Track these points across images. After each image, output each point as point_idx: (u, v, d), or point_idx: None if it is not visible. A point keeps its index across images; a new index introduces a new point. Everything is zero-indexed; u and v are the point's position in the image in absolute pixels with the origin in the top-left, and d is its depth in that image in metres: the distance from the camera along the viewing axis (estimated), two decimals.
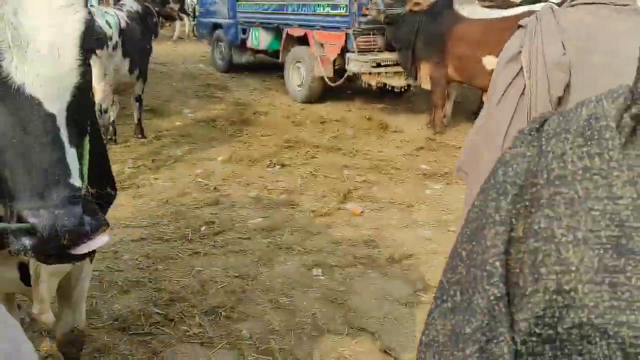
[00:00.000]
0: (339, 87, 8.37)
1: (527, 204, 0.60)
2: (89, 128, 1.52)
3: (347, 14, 7.86)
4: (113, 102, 6.20)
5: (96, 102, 5.07)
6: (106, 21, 5.11)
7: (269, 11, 9.96)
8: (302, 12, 8.95)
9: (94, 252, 2.04)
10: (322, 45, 8.44)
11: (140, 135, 6.51)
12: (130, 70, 5.57)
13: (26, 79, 1.04)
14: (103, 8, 5.41)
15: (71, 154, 1.07)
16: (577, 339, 0.53)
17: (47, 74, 1.06)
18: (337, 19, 8.11)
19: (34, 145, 1.03)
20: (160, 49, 14.80)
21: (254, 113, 8.04)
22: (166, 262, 3.74)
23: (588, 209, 0.54)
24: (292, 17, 9.25)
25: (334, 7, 8.12)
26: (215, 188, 5.17)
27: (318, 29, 8.49)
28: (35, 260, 1.74)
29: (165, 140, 6.60)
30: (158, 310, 3.18)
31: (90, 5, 6.73)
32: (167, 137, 6.73)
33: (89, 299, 3.24)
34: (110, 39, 5.05)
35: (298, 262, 3.84)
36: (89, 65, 1.21)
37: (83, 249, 1.09)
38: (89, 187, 1.14)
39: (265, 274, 3.66)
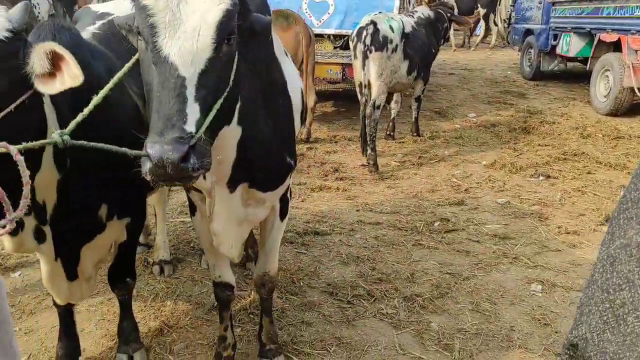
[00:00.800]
0: None
1: None
2: (260, 104, 1.89)
3: None
4: (395, 100, 6.74)
5: (371, 98, 5.64)
6: (390, 26, 5.61)
7: (582, 15, 9.20)
8: (618, 16, 8.00)
9: (285, 210, 2.43)
10: (636, 52, 7.41)
11: (415, 134, 6.89)
12: (409, 72, 5.97)
13: (171, 50, 1.44)
14: (391, 15, 5.92)
15: (193, 107, 1.42)
16: None
17: (186, 48, 1.44)
18: None
19: (165, 98, 1.42)
20: (474, 56, 15.04)
21: (541, 122, 7.59)
22: (390, 246, 4.01)
23: None
24: (606, 20, 8.36)
25: None
26: (466, 190, 5.18)
27: (634, 34, 7.48)
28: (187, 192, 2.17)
29: (437, 141, 6.83)
30: (364, 285, 3.48)
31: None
32: (440, 137, 6.96)
33: (314, 263, 3.75)
34: (391, 42, 5.53)
35: (519, 274, 3.63)
36: (230, 45, 1.55)
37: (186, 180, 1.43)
38: (207, 137, 1.47)
39: (479, 278, 3.59)
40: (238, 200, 2.14)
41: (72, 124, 1.44)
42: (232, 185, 2.03)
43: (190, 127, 1.40)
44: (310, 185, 5.16)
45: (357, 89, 5.92)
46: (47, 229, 1.96)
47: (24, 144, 1.31)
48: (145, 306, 3.24)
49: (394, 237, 4.16)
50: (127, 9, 2.25)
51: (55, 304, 2.54)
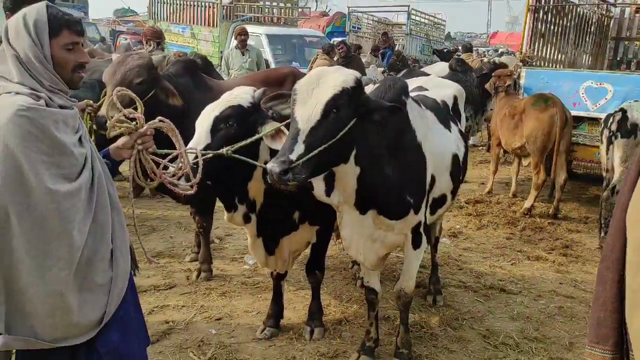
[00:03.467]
0: None
1: None
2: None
3: None
4: None
5: (611, 182, 5.62)
6: None
7: None
8: None
9: (418, 242, 3.24)
10: None
11: None
12: None
13: (297, 115, 2.55)
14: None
15: (299, 146, 2.43)
16: None
17: (305, 114, 2.54)
18: None
19: (288, 139, 2.51)
20: None
21: None
22: (568, 318, 4.18)
23: None
24: None
25: None
26: None
27: None
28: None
29: None
30: (517, 339, 3.85)
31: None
32: None
33: (485, 311, 4.25)
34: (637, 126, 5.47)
35: None
36: (338, 114, 2.58)
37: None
38: (300, 162, 2.49)
39: None
40: (370, 222, 3.09)
41: (237, 146, 2.73)
42: (360, 208, 3.00)
43: (293, 156, 2.45)
44: (527, 254, 5.50)
45: (604, 174, 5.95)
46: (253, 216, 3.29)
47: (210, 152, 2.65)
48: (339, 304, 4.35)
49: (578, 311, 4.28)
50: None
51: (272, 276, 3.89)
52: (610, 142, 5.62)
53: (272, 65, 10.92)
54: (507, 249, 5.66)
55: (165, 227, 6.00)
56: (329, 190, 2.94)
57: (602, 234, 5.57)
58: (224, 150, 2.70)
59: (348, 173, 2.82)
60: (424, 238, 3.34)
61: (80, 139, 2.02)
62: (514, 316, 4.20)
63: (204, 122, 2.94)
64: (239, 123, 2.94)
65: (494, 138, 7.71)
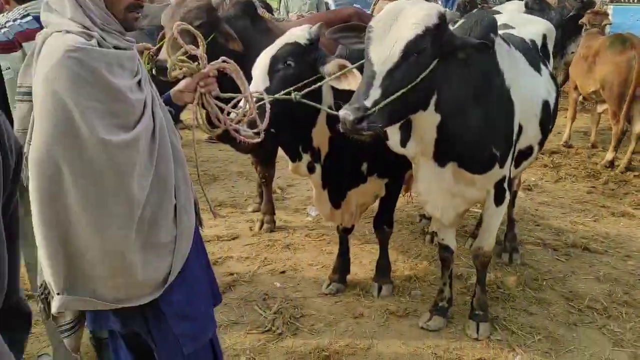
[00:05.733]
0: None
1: None
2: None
3: None
4: None
5: None
6: None
7: None
8: None
9: (501, 198, 2.93)
10: None
11: None
12: None
13: (372, 55, 2.26)
14: None
15: (375, 91, 2.17)
16: None
17: (381, 54, 2.25)
18: None
19: (362, 83, 2.23)
20: None
21: None
22: None
23: None
24: None
25: None
26: None
27: None
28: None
29: None
30: (604, 302, 3.53)
31: None
32: None
33: (567, 272, 3.93)
34: None
35: None
36: (420, 56, 2.27)
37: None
38: (376, 109, 2.21)
39: None
40: (449, 176, 2.81)
41: (305, 91, 2.47)
42: (439, 160, 2.72)
43: (368, 103, 2.19)
44: (612, 209, 5.06)
45: None
46: (317, 166, 3.07)
47: (276, 95, 2.42)
48: (407, 260, 4.13)
49: None
50: None
51: (337, 230, 3.70)
52: None
53: (332, 8, 10.45)
54: (589, 204, 5.23)
55: (227, 177, 5.91)
56: (404, 141, 2.67)
57: None
58: (292, 95, 2.45)
59: (427, 121, 2.54)
60: (507, 193, 3.04)
61: (139, 83, 1.82)
62: (599, 278, 3.86)
63: (260, 64, 2.71)
64: (297, 62, 2.69)
65: (571, 82, 7.10)
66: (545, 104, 3.14)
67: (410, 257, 4.16)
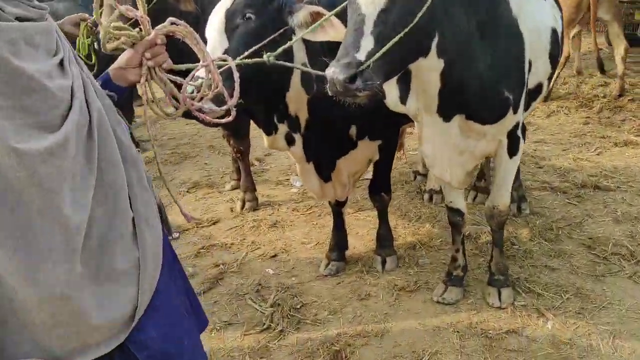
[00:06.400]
0: None
1: None
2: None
3: None
4: None
5: None
6: None
7: None
8: None
9: (514, 148, 2.52)
10: None
11: None
12: None
13: None
14: None
15: (367, 40, 1.74)
16: None
17: None
18: None
19: (349, 32, 1.78)
20: None
21: None
22: None
23: None
24: None
25: None
26: None
27: None
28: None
29: None
30: (629, 246, 3.24)
31: None
32: None
33: (583, 216, 3.61)
34: None
35: None
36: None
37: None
38: (371, 62, 1.77)
39: None
40: (456, 130, 2.39)
41: (280, 50, 1.98)
42: (444, 114, 2.29)
43: (360, 56, 1.75)
44: (613, 139, 4.74)
45: None
46: (297, 136, 2.62)
47: (246, 60, 1.93)
48: (408, 224, 3.76)
49: None
50: None
51: (330, 204, 3.29)
52: None
53: None
54: (588, 137, 4.91)
55: (198, 153, 5.42)
56: (403, 97, 2.23)
57: None
58: (265, 56, 1.96)
59: (429, 69, 2.10)
60: (522, 142, 2.64)
61: (61, 65, 1.34)
62: (618, 218, 3.54)
63: (214, 22, 2.25)
64: (259, 13, 2.24)
65: None
66: (554, 33, 2.71)
67: (411, 221, 3.79)
